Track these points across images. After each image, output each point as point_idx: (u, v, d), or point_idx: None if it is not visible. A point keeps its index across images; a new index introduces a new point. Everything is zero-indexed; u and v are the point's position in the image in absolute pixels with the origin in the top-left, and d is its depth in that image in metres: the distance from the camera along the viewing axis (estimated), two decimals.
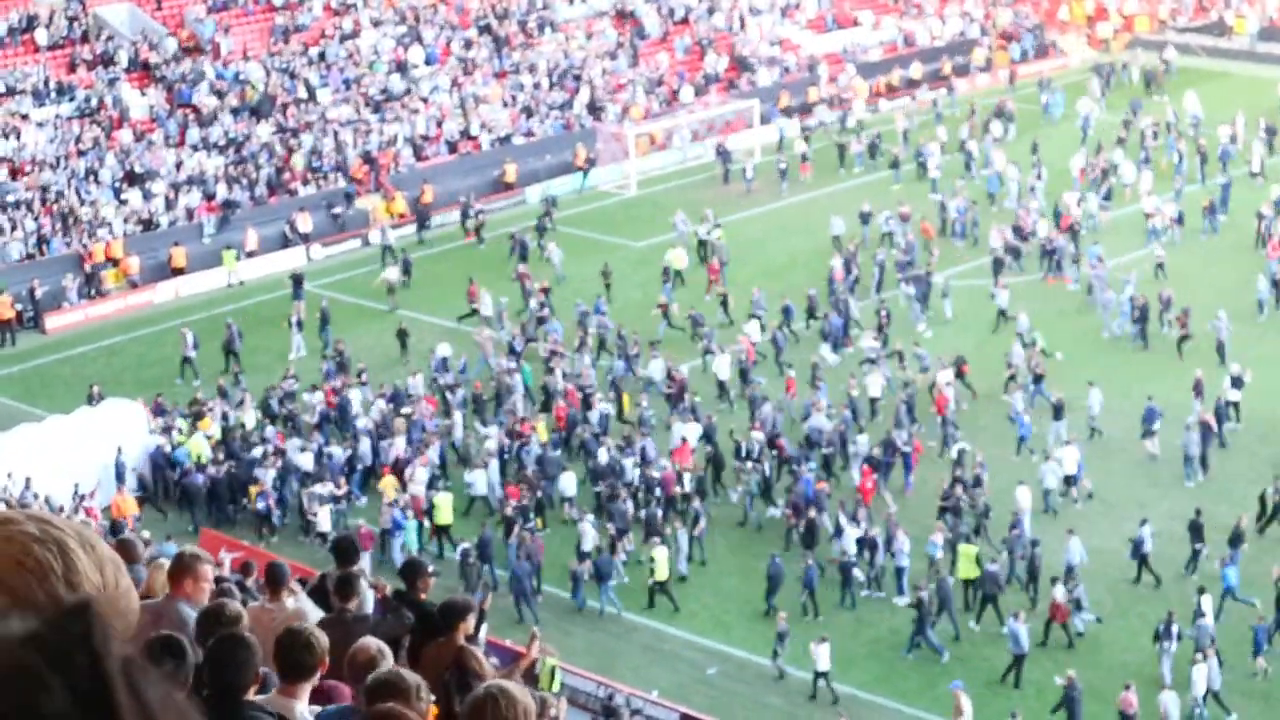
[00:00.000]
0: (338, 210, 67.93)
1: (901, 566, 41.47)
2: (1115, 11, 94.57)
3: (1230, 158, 69.72)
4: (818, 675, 37.85)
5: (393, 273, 62.08)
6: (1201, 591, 39.25)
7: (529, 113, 76.09)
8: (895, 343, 52.86)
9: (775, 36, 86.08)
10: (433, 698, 7.53)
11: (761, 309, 56.05)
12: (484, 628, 11.59)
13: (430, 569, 13.03)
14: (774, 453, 46.40)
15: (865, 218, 64.01)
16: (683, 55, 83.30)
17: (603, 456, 46.24)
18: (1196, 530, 41.94)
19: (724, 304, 57.56)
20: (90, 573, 2.49)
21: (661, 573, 41.61)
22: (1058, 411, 47.61)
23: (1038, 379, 50.17)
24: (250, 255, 65.34)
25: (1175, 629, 37.88)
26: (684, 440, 46.82)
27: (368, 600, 12.56)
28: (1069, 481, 45.41)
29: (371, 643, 8.64)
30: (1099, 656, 38.97)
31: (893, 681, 38.63)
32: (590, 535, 42.59)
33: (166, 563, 11.29)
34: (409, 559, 15.97)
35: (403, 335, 55.53)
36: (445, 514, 44.62)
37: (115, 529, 39.64)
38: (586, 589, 41.74)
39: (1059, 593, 39.39)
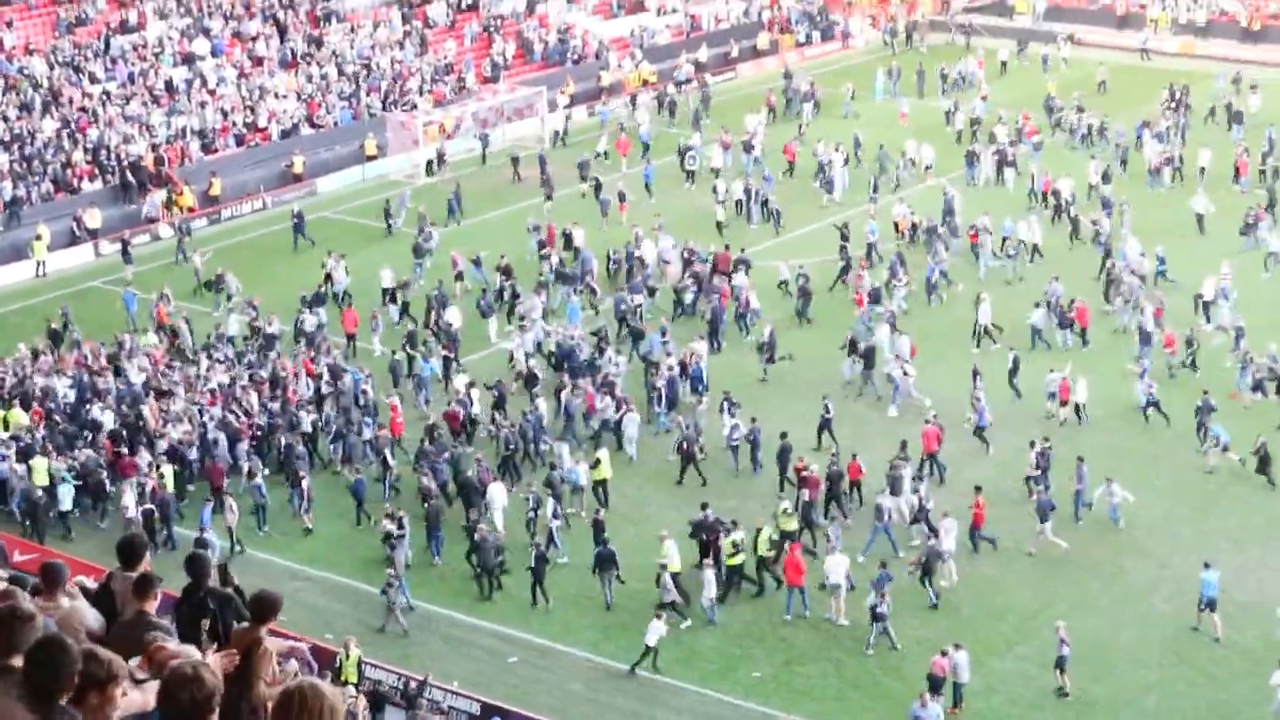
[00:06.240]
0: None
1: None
2: None
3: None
4: (647, 651, 38.16)
5: (197, 259, 62.32)
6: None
7: (323, 105, 75.73)
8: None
9: (563, 22, 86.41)
10: None
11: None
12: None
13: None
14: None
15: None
16: (470, 43, 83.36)
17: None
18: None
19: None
20: None
21: None
22: None
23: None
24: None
25: None
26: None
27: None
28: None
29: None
30: None
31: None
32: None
33: None
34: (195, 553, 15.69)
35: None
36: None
37: None
38: None
39: None
